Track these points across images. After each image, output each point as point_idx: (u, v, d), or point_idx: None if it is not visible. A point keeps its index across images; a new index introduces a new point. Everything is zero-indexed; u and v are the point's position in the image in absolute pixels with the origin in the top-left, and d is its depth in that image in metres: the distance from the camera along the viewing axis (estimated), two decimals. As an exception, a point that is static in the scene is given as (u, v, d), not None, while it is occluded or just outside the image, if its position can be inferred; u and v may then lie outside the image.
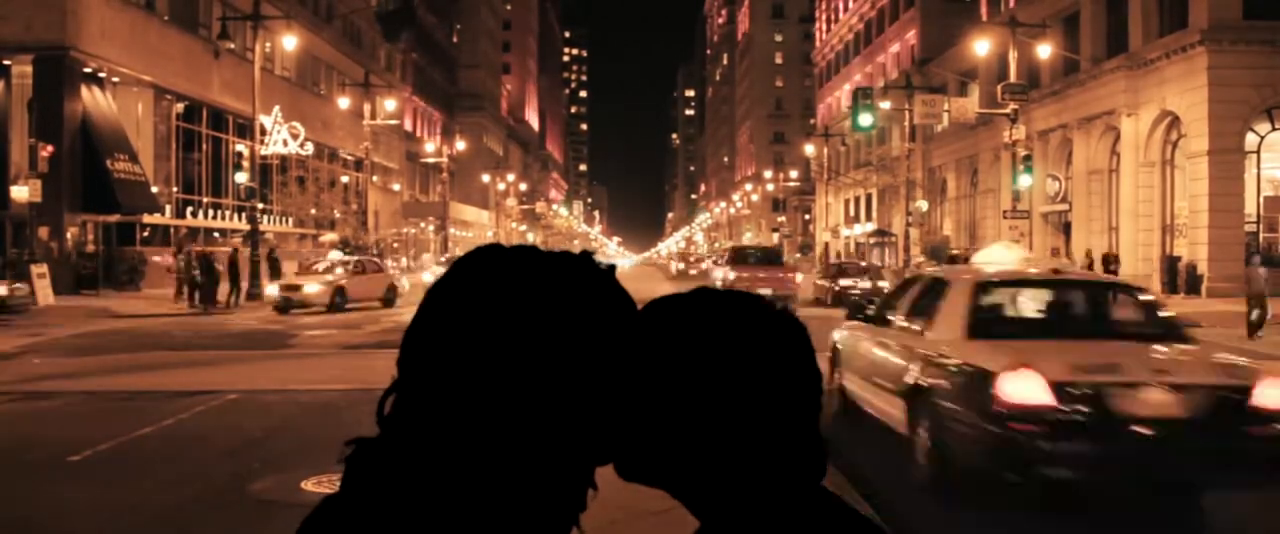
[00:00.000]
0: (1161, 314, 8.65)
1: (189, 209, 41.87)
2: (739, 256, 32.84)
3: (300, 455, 8.81)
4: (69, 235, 32.25)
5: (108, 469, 8.64)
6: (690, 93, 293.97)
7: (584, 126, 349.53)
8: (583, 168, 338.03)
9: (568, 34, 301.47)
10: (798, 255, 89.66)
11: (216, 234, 44.18)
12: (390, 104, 59.57)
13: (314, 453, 8.79)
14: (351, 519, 1.03)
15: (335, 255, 34.92)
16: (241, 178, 35.99)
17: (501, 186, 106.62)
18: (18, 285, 26.00)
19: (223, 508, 7.46)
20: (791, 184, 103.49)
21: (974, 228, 53.68)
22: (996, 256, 11.83)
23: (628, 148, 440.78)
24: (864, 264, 45.14)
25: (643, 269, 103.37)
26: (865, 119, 40.35)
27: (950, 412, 7.34)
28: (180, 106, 41.25)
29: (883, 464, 8.81)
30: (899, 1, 70.76)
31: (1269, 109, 34.08)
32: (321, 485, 7.66)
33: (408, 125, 77.92)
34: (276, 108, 41.46)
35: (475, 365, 1.02)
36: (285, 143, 41.64)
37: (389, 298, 31.76)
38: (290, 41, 41.49)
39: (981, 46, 39.23)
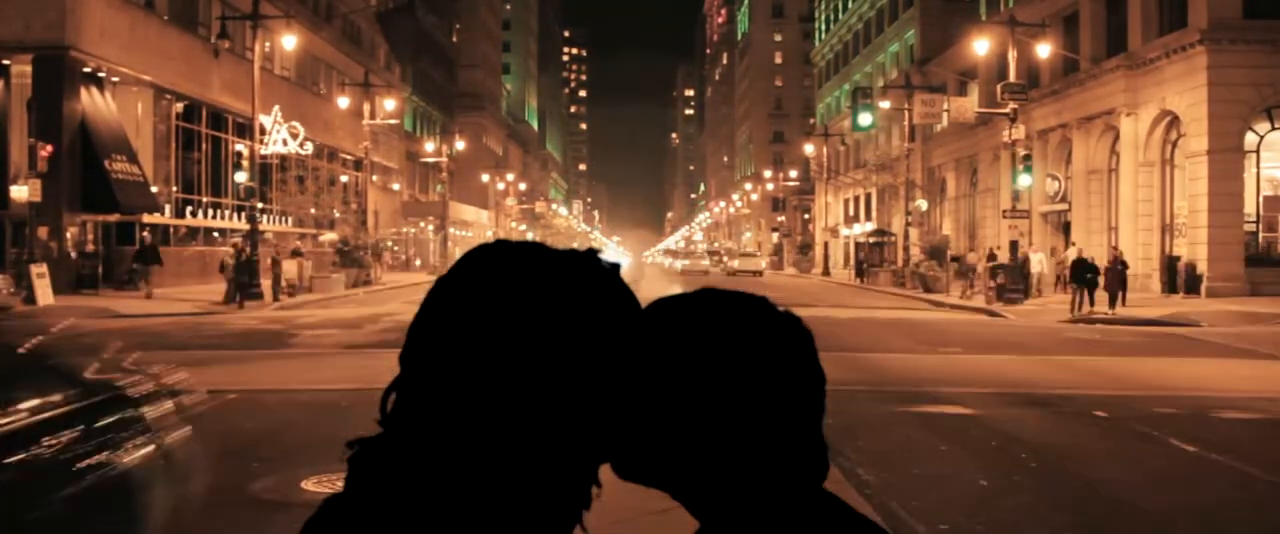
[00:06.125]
0: None
1: (188, 209, 41.85)
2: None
3: (301, 455, 8.80)
4: (68, 235, 32.23)
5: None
6: (690, 92, 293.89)
7: (584, 126, 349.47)
8: (582, 167, 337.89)
9: (568, 34, 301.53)
10: (797, 255, 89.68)
11: (216, 234, 44.18)
12: (390, 104, 59.50)
13: (314, 453, 8.78)
14: (354, 520, 1.03)
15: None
16: (241, 177, 36.05)
17: (501, 186, 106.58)
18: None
19: (223, 508, 7.45)
20: (791, 184, 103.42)
21: (973, 227, 53.68)
22: None
23: (628, 148, 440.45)
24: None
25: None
26: (864, 119, 40.28)
27: None
28: (180, 106, 41.22)
29: (883, 464, 8.82)
30: (899, 1, 70.74)
31: (1269, 108, 34.05)
32: (322, 485, 7.66)
33: (407, 125, 77.88)
34: (276, 107, 41.43)
35: (479, 361, 1.02)
36: (285, 142, 41.62)
37: None
38: (290, 41, 41.46)
39: (981, 46, 39.17)
